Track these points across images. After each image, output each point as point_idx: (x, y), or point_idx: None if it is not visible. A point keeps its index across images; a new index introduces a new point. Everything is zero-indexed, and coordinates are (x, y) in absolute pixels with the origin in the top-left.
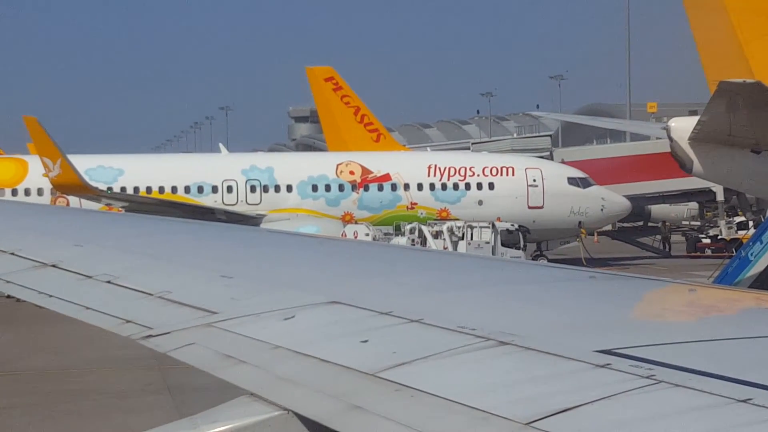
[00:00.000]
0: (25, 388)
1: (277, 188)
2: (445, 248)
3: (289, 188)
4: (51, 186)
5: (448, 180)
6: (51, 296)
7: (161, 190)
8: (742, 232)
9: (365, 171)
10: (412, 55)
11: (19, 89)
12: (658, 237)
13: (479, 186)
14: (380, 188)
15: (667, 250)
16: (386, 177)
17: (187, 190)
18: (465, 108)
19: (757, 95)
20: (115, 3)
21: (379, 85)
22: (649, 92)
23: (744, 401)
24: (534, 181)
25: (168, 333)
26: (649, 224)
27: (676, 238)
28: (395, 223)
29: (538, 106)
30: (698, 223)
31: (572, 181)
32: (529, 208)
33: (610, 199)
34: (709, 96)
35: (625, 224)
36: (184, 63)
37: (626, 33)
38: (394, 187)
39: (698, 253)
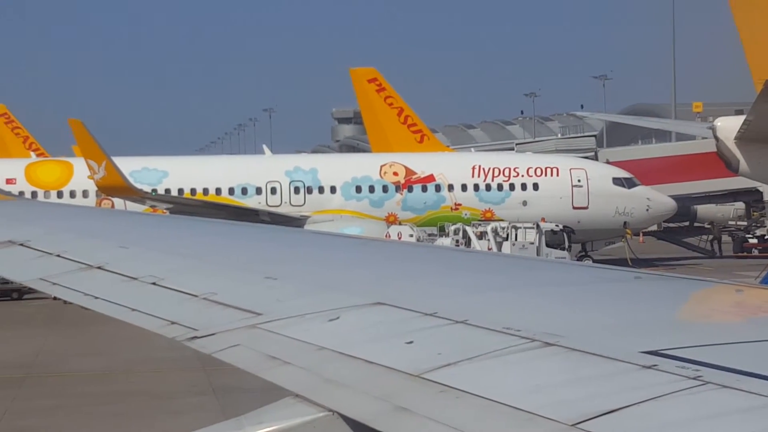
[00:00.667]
0: (71, 389)
1: (321, 189)
2: (489, 249)
3: (333, 189)
4: (96, 188)
5: (492, 181)
6: (97, 298)
7: (205, 191)
8: None
9: (409, 172)
10: (455, 56)
11: (63, 92)
12: (708, 237)
13: (523, 186)
14: (424, 189)
15: (716, 250)
16: (430, 178)
17: (231, 191)
18: (509, 108)
19: None
20: (159, 6)
21: (423, 85)
22: (695, 92)
23: None
24: (579, 181)
25: (213, 334)
26: (695, 224)
27: (722, 238)
28: (439, 224)
29: (582, 107)
30: (745, 223)
31: (617, 181)
32: (574, 208)
33: (655, 199)
34: (756, 95)
35: (671, 224)
36: (228, 65)
37: (671, 32)
38: (438, 187)
39: (745, 253)
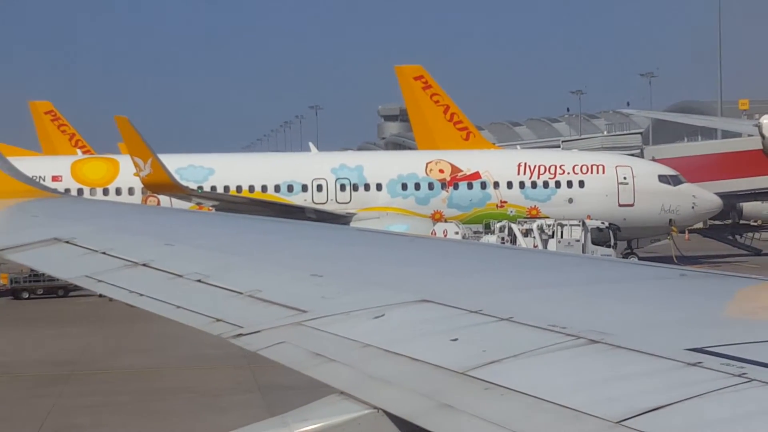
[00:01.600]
0: (117, 386)
1: (367, 187)
2: (535, 246)
3: (379, 187)
4: (142, 185)
5: (538, 178)
6: (142, 295)
7: (251, 189)
8: None
9: (455, 169)
10: (501, 53)
11: (110, 89)
12: (749, 234)
13: (569, 184)
14: (470, 186)
15: (743, 243)
16: (476, 175)
17: (277, 189)
18: (555, 106)
19: None
20: (204, 3)
21: (469, 83)
22: (741, 89)
23: None
24: (624, 178)
25: (258, 332)
26: (741, 222)
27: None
28: (485, 222)
29: (628, 104)
30: None
31: (663, 178)
32: (620, 206)
33: (701, 196)
34: None
35: (717, 222)
36: (275, 62)
37: (718, 29)
38: (483, 185)
39: None
